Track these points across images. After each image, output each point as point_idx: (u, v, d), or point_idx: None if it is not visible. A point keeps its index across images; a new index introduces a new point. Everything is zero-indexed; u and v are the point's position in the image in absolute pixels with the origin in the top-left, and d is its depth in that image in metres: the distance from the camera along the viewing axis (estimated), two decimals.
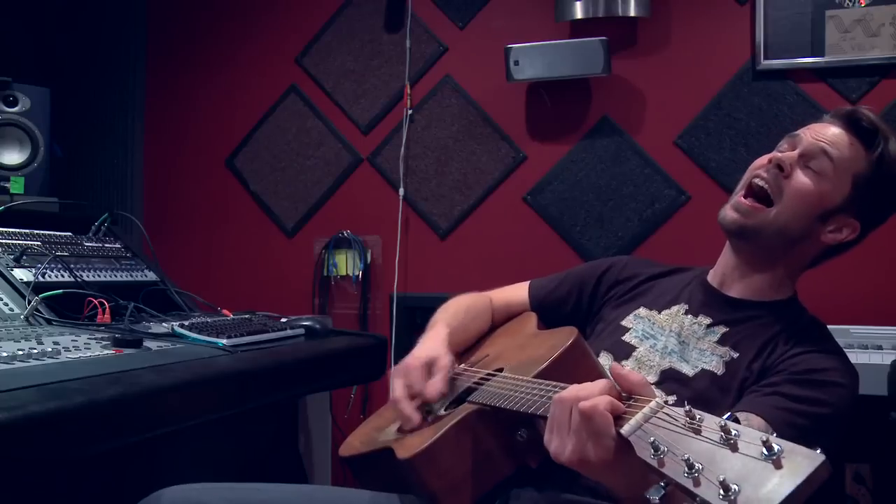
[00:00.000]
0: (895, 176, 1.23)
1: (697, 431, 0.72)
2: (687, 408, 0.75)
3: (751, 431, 0.69)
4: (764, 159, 1.27)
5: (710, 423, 0.72)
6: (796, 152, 1.24)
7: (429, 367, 1.22)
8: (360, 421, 1.55)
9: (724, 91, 2.52)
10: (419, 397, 1.19)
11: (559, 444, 0.88)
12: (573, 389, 0.89)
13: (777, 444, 0.65)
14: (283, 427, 2.02)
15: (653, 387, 0.95)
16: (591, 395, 0.86)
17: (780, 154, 1.24)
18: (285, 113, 3.04)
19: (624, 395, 0.87)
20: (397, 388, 1.21)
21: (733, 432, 0.69)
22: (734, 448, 0.68)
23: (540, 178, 2.72)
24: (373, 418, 1.41)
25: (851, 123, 1.24)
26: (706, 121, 2.55)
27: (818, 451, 0.64)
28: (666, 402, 0.81)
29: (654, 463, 0.73)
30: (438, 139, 2.84)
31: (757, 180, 1.25)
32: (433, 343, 1.28)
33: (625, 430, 0.80)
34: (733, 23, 2.51)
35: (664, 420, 0.77)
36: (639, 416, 0.80)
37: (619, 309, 1.41)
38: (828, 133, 1.24)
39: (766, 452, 0.65)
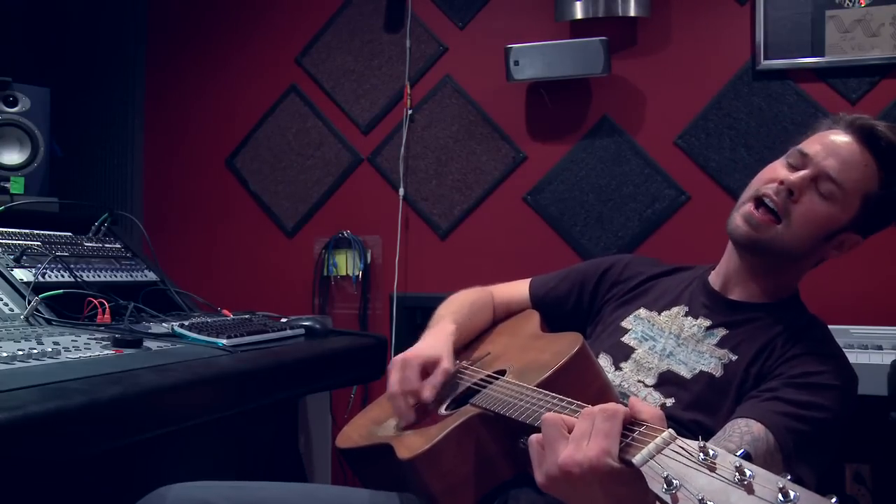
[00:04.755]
0: None
1: (712, 468, 0.71)
2: (701, 443, 0.74)
3: (766, 474, 0.68)
4: (774, 173, 1.23)
5: (725, 460, 0.71)
6: (808, 174, 1.19)
7: (427, 366, 1.21)
8: None
9: (724, 91, 2.52)
10: (414, 396, 1.18)
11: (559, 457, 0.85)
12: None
13: (793, 490, 0.65)
14: (283, 427, 2.01)
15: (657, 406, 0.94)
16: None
17: (791, 178, 1.19)
18: (285, 113, 3.04)
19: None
20: (394, 382, 1.20)
21: (748, 473, 0.68)
22: (750, 490, 0.67)
23: (540, 178, 2.72)
24: (371, 408, 1.40)
25: (868, 140, 1.19)
26: (706, 121, 2.55)
27: (834, 499, 0.64)
28: (676, 437, 0.78)
29: (668, 498, 0.71)
30: (438, 139, 2.84)
31: (767, 200, 1.21)
32: (436, 341, 1.27)
33: (637, 459, 0.77)
34: (733, 23, 2.51)
35: (677, 453, 0.75)
36: (651, 447, 0.77)
37: (620, 310, 1.40)
38: (841, 151, 1.19)
39: (781, 499, 0.65)
